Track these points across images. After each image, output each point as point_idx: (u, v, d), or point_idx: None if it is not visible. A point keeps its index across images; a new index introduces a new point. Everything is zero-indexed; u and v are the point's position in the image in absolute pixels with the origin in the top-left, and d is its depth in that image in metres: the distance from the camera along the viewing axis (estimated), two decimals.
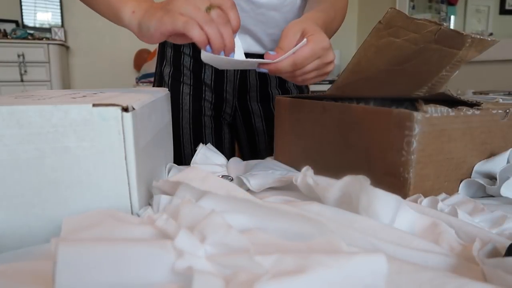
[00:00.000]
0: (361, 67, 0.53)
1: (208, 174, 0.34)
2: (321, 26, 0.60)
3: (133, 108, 0.33)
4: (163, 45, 0.91)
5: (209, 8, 0.46)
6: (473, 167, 0.47)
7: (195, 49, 0.85)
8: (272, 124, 0.89)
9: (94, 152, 0.32)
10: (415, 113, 0.41)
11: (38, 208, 0.32)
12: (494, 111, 0.47)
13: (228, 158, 0.62)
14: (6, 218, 0.32)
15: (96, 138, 0.32)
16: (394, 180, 0.44)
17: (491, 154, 0.48)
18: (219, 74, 0.86)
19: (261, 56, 0.86)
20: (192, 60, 0.86)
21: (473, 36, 0.46)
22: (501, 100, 0.68)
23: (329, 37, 0.73)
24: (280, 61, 0.52)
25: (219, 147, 0.89)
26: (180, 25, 0.44)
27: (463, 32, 0.45)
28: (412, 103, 0.59)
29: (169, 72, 0.88)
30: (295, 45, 0.52)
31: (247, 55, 0.55)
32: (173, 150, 0.86)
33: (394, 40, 0.49)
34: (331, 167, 0.53)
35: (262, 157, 0.71)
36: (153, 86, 0.95)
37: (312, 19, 0.59)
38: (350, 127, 0.50)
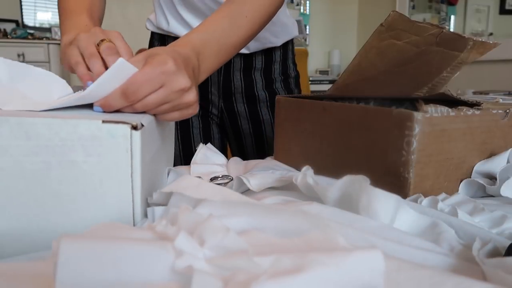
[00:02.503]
0: (361, 68, 0.53)
1: (200, 181, 0.34)
2: (202, 43, 0.51)
3: (142, 125, 0.33)
4: (151, 45, 0.91)
5: (102, 41, 0.48)
6: (473, 167, 0.47)
7: None
8: (259, 125, 0.89)
9: (100, 168, 0.32)
10: (415, 113, 0.41)
11: (40, 219, 0.32)
12: (494, 111, 0.47)
13: None
14: (8, 227, 0.32)
15: (104, 154, 0.32)
16: (394, 180, 0.44)
17: (491, 154, 0.48)
18: None
19: None
20: None
21: (474, 39, 0.46)
22: (501, 100, 0.68)
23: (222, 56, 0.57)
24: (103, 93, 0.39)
25: None
26: (72, 64, 0.49)
27: (464, 35, 0.45)
28: (412, 103, 0.59)
29: None
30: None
31: None
32: None
33: (396, 43, 0.49)
34: (331, 167, 0.53)
35: (250, 159, 0.71)
36: None
37: (184, 41, 0.51)
38: (350, 127, 0.50)
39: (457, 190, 0.47)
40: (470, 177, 0.47)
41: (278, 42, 0.87)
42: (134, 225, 0.34)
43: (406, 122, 0.42)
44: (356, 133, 0.49)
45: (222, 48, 0.55)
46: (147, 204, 0.38)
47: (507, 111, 0.49)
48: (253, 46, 0.83)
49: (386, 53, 0.51)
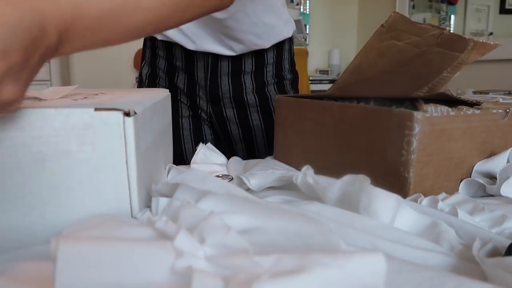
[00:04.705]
0: (362, 69, 0.53)
1: (207, 175, 0.34)
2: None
3: (135, 113, 0.33)
4: (144, 46, 0.90)
5: None
6: (473, 166, 0.47)
7: (169, 53, 0.84)
8: (249, 131, 0.87)
9: (95, 156, 0.32)
10: (415, 113, 0.41)
11: (38, 211, 0.32)
12: (494, 111, 0.47)
13: None
14: (6, 221, 0.32)
15: (98, 142, 0.32)
16: (394, 180, 0.44)
17: (491, 154, 0.48)
18: (191, 79, 0.84)
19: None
20: (166, 63, 0.85)
21: (475, 39, 0.45)
22: (501, 100, 0.68)
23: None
24: None
25: None
26: None
27: (465, 36, 0.45)
28: (412, 102, 0.59)
29: (147, 73, 0.87)
30: None
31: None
32: None
33: (396, 43, 0.49)
34: (331, 167, 0.53)
35: None
36: (137, 87, 0.94)
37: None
38: (350, 126, 0.50)
39: (457, 190, 0.47)
40: (470, 177, 0.47)
41: (265, 44, 0.82)
42: (132, 214, 0.34)
43: (406, 121, 0.42)
44: (356, 133, 0.49)
45: (108, 26, 0.37)
46: (148, 194, 0.38)
47: (507, 110, 0.49)
48: (238, 48, 0.80)
49: (387, 54, 0.51)
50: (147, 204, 0.38)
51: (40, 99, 0.40)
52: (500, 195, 0.44)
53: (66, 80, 3.10)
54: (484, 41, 0.44)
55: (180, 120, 0.86)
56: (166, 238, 0.24)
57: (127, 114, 0.32)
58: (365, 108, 0.49)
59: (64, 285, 0.20)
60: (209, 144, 0.63)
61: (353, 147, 0.50)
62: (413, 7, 2.99)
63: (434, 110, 0.42)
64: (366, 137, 0.48)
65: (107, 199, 0.33)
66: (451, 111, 0.44)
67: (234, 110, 0.85)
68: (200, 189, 0.31)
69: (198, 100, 0.85)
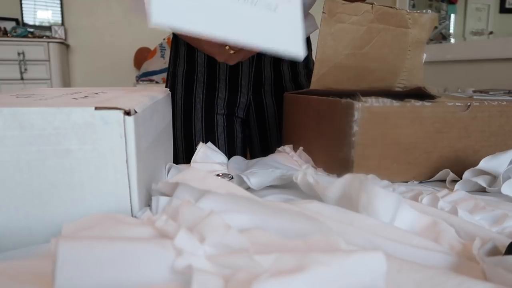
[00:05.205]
0: (327, 56, 0.59)
1: (207, 174, 0.34)
2: None
3: (135, 112, 0.33)
4: (176, 44, 0.91)
5: None
6: (429, 152, 0.52)
7: None
8: None
9: (95, 155, 0.32)
10: (355, 102, 0.48)
11: (38, 210, 0.32)
12: (450, 104, 0.52)
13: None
14: (6, 220, 0.32)
15: (98, 141, 0.32)
16: (343, 160, 0.50)
17: (452, 141, 0.53)
18: (234, 68, 0.86)
19: None
20: (206, 56, 0.87)
21: (408, 11, 0.52)
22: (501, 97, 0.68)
23: None
24: None
25: (231, 145, 0.89)
26: None
27: (395, 7, 0.52)
28: (401, 98, 0.61)
29: (183, 71, 0.89)
30: None
31: None
32: (185, 148, 0.86)
33: (342, 25, 0.56)
34: (311, 149, 0.61)
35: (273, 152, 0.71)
36: (166, 87, 0.94)
37: None
38: (320, 116, 0.58)
39: (409, 171, 0.52)
40: (421, 161, 0.52)
41: (306, 32, 0.88)
42: (132, 212, 0.34)
43: (349, 109, 0.49)
44: (323, 121, 0.57)
45: None
46: (148, 193, 0.38)
47: (469, 104, 0.52)
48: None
49: (341, 36, 0.57)
50: (147, 203, 0.38)
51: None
52: (500, 193, 0.44)
53: (66, 79, 3.09)
54: (417, 12, 0.51)
55: (215, 117, 0.89)
56: (166, 237, 0.24)
57: (127, 113, 0.32)
58: (327, 100, 0.55)
59: (64, 284, 0.20)
60: (209, 143, 0.63)
61: (322, 132, 0.57)
62: (413, 6, 2.99)
63: (375, 101, 0.48)
64: (328, 123, 0.55)
65: (107, 198, 0.33)
66: (395, 103, 0.49)
67: (273, 98, 0.90)
68: (200, 188, 0.31)
69: (239, 88, 0.88)
